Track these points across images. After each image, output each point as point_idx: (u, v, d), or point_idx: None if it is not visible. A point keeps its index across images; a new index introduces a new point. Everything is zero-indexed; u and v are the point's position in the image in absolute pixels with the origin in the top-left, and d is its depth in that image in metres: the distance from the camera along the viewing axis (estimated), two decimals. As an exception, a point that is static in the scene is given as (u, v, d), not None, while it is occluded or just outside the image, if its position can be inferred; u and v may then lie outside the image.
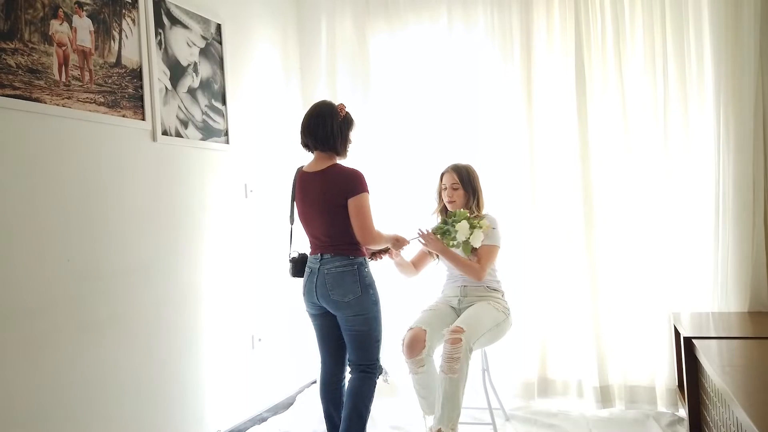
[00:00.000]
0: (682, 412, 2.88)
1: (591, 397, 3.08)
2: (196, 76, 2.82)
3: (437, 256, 2.87)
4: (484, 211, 2.86)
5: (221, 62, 3.00)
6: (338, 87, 3.57)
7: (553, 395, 3.22)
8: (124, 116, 2.37)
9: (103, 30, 2.30)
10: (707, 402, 2.35)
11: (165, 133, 2.58)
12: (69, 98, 2.13)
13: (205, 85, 2.87)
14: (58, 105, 2.08)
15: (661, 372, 2.99)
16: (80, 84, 2.18)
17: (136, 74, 2.45)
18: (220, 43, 3.00)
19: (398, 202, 3.42)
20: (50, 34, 2.07)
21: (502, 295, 2.84)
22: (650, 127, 3.01)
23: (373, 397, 2.46)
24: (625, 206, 3.06)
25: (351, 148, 2.51)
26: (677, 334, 2.78)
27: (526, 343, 3.20)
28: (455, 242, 2.67)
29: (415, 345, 2.63)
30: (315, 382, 3.55)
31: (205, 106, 2.87)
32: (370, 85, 3.53)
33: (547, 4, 3.19)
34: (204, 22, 2.89)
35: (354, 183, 2.35)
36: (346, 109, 2.47)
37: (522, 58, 3.22)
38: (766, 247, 2.82)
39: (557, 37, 3.17)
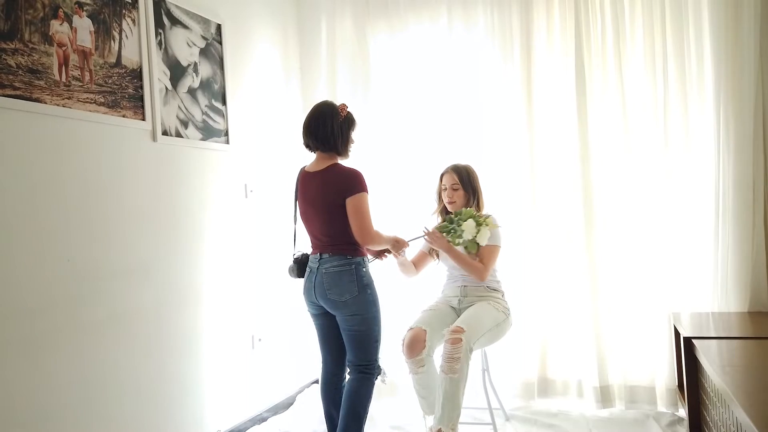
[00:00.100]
0: (682, 412, 2.88)
1: (591, 397, 3.09)
2: (196, 76, 2.82)
3: (437, 255, 2.87)
4: (484, 212, 2.86)
5: (221, 62, 3.00)
6: (338, 87, 3.57)
7: (553, 395, 3.22)
8: (124, 116, 2.37)
9: (103, 30, 2.30)
10: (707, 402, 2.35)
11: (165, 133, 2.58)
12: (69, 98, 2.13)
13: (205, 85, 2.88)
14: (58, 105, 2.08)
15: (661, 372, 2.99)
16: (80, 84, 2.18)
17: (136, 74, 2.46)
18: (220, 43, 3.00)
19: (398, 202, 3.42)
20: (50, 34, 2.07)
21: (502, 296, 2.84)
22: (650, 127, 3.01)
23: (371, 397, 2.46)
24: (625, 206, 3.06)
25: (353, 148, 2.51)
26: (677, 334, 2.78)
27: (526, 343, 3.20)
28: (460, 240, 2.67)
29: (415, 345, 2.63)
30: (315, 382, 3.56)
31: (205, 106, 2.87)
32: (370, 85, 3.53)
33: (547, 4, 3.19)
34: (204, 22, 2.89)
35: (352, 182, 2.35)
36: (348, 110, 2.47)
37: (522, 58, 3.22)
38: (766, 247, 2.82)
39: (557, 37, 3.17)
